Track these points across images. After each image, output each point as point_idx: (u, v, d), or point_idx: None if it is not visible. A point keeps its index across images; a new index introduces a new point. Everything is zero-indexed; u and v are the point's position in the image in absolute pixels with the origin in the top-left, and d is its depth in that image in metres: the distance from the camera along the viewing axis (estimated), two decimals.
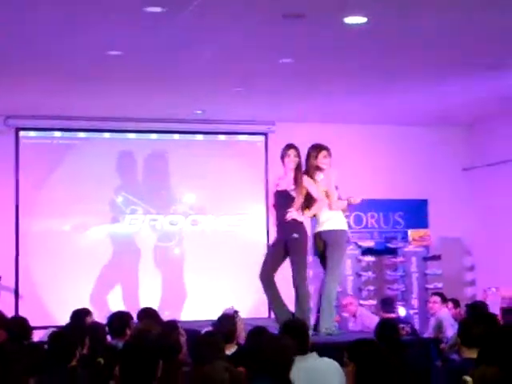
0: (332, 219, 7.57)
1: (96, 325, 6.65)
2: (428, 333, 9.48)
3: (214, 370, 3.65)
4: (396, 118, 11.82)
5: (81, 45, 7.74)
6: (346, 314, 10.60)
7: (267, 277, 7.57)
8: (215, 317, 6.56)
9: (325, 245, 7.58)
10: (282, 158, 7.58)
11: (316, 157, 7.59)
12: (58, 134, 11.48)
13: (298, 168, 7.48)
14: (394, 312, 9.88)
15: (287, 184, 7.48)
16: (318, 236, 7.60)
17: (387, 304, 9.91)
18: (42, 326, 7.98)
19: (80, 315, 7.29)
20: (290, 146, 7.60)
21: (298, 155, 7.53)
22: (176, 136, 11.87)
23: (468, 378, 3.60)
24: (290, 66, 8.54)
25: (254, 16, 6.90)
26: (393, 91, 10.03)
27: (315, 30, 7.30)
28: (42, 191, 11.24)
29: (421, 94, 10.24)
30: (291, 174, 7.48)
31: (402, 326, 8.26)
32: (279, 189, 7.56)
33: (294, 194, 7.41)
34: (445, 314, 9.44)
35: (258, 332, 5.68)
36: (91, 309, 7.83)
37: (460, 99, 10.56)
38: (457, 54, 8.26)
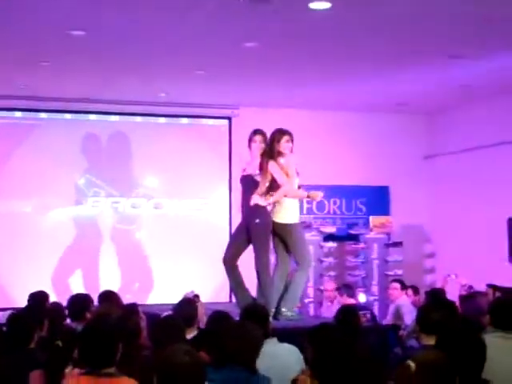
0: (282, 211, 7.53)
1: (55, 307, 6.61)
2: (387, 320, 9.56)
3: (174, 354, 3.63)
4: (359, 105, 11.86)
5: (42, 24, 7.62)
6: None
7: (230, 261, 7.58)
8: (176, 301, 6.54)
9: (280, 236, 7.59)
10: (249, 142, 7.56)
11: (278, 141, 7.57)
12: (19, 114, 11.36)
13: (264, 154, 7.48)
14: (354, 297, 9.94)
15: (253, 169, 7.48)
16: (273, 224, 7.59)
17: (349, 288, 9.97)
18: (1, 308, 7.91)
19: (39, 298, 7.24)
20: (256, 132, 7.58)
21: (265, 141, 7.52)
22: (139, 118, 11.80)
23: (411, 363, 3.63)
24: (254, 50, 8.52)
25: None
26: (356, 78, 10.05)
27: (280, 14, 7.29)
28: (4, 171, 11.11)
29: (383, 81, 10.28)
30: (257, 160, 7.47)
31: (362, 312, 8.31)
32: (245, 174, 7.56)
33: (258, 179, 7.41)
34: (404, 301, 9.52)
35: (219, 317, 5.67)
36: (52, 291, 7.81)
37: (421, 87, 10.62)
38: (419, 42, 8.30)
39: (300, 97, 11.24)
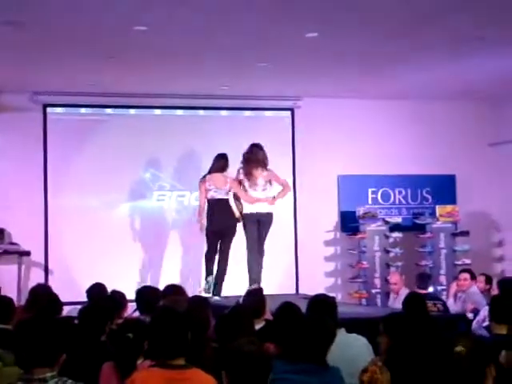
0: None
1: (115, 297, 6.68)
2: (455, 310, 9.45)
3: (242, 345, 3.66)
4: (423, 93, 11.72)
5: (107, 20, 7.73)
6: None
7: None
8: (241, 293, 6.57)
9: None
10: None
11: None
12: (84, 110, 11.51)
13: None
14: (427, 289, 9.79)
15: None
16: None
17: (423, 280, 9.85)
18: (72, 302, 8.04)
19: (109, 292, 7.30)
20: None
21: None
22: (201, 112, 11.85)
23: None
24: (316, 40, 8.48)
25: None
26: (421, 66, 9.93)
27: (341, 3, 7.25)
28: (70, 167, 11.26)
29: (447, 69, 10.15)
30: None
31: (433, 302, 8.24)
32: None
33: None
34: (474, 290, 9.38)
35: (288, 308, 5.64)
36: (119, 284, 7.84)
37: (486, 74, 10.45)
38: (483, 29, 8.17)
39: (362, 86, 11.14)
